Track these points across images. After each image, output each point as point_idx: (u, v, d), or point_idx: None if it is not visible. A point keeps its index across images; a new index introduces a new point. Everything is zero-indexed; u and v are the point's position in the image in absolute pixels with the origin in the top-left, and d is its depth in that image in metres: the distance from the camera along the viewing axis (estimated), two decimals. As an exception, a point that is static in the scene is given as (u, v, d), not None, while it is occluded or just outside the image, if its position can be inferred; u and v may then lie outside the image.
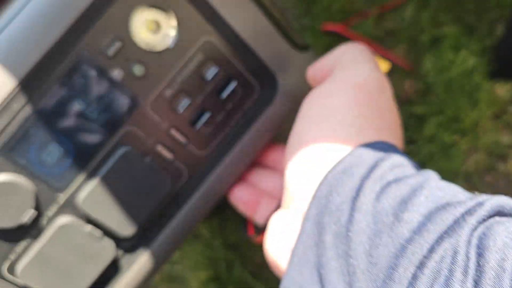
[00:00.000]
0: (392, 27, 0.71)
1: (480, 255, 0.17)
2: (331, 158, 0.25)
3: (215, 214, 0.65)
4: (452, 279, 0.17)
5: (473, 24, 0.70)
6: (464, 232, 0.18)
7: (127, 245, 0.34)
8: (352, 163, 0.23)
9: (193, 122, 0.33)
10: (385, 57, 0.68)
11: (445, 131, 0.68)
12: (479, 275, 0.16)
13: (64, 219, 0.31)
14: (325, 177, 0.24)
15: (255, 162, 0.37)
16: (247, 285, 0.68)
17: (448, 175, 0.59)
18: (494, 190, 0.65)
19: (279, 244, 0.27)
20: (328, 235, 0.21)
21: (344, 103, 0.26)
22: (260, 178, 0.36)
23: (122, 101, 0.30)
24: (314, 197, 0.23)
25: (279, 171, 0.35)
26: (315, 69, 0.32)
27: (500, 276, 0.16)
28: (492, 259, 0.17)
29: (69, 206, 0.31)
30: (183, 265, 0.70)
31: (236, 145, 0.34)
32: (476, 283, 0.16)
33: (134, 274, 0.34)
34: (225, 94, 0.33)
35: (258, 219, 0.34)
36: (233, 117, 0.34)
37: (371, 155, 0.23)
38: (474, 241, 0.17)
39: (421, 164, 0.50)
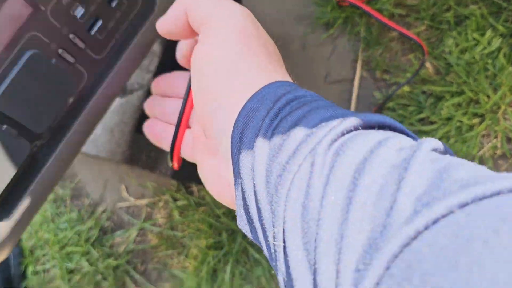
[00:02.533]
0: (415, 3, 0.68)
1: (336, 155, 0.20)
2: (237, 102, 0.26)
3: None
4: (311, 182, 0.20)
5: (501, 5, 0.67)
6: (324, 143, 0.21)
7: (41, 143, 0.36)
8: (254, 106, 0.25)
9: (89, 29, 0.37)
10: (403, 35, 0.65)
11: (464, 113, 0.66)
12: (329, 175, 0.20)
13: None
14: (235, 122, 0.26)
15: (162, 93, 0.40)
16: (249, 254, 0.67)
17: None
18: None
19: (219, 190, 0.30)
20: (244, 175, 0.25)
21: (235, 50, 0.27)
22: (168, 108, 0.38)
23: (24, 8, 0.32)
24: (232, 144, 0.26)
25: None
26: (175, 22, 0.32)
27: (347, 174, 0.19)
28: (344, 161, 0.20)
29: None
30: (184, 232, 0.69)
31: (127, 50, 0.39)
32: (326, 183, 0.20)
33: (51, 169, 0.36)
34: (114, 3, 0.37)
35: (165, 147, 0.37)
36: (122, 24, 0.38)
37: (272, 95, 0.25)
38: (333, 149, 0.21)
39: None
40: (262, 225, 0.23)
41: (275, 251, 0.22)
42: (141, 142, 0.61)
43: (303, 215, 0.20)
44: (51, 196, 0.74)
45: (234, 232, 0.67)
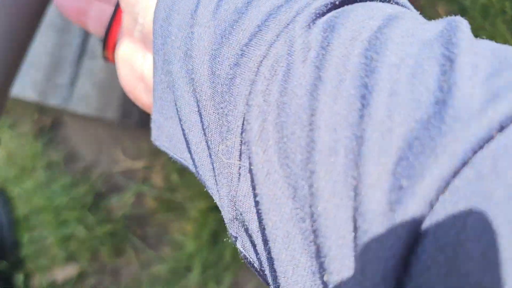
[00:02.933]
0: None
1: (330, 30, 0.15)
2: None
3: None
4: (291, 72, 0.15)
5: None
6: (300, 21, 0.15)
7: None
8: None
9: None
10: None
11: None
12: (322, 58, 0.14)
13: None
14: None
15: None
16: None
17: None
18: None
19: (131, 77, 0.24)
20: (175, 63, 0.18)
21: None
22: None
23: None
24: (154, 21, 0.20)
25: None
26: None
27: (347, 56, 0.14)
28: (346, 36, 0.14)
29: None
30: (182, 194, 0.66)
31: None
32: (318, 68, 0.14)
33: None
34: None
35: (92, 29, 0.28)
36: None
37: None
38: (319, 24, 0.15)
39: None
40: (206, 136, 0.17)
41: (230, 173, 0.16)
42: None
43: (279, 118, 0.14)
44: (44, 161, 0.71)
45: (236, 193, 0.64)
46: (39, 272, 0.68)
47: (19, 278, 0.67)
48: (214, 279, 0.63)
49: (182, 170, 0.66)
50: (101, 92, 0.58)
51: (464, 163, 0.11)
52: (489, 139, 0.11)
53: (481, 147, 0.11)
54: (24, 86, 0.60)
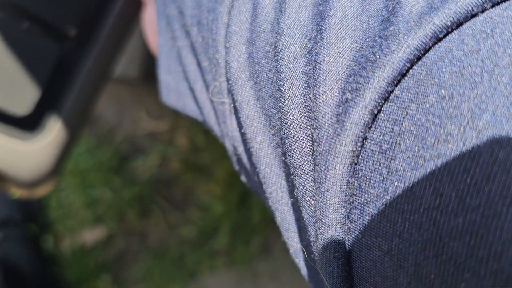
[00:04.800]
0: None
1: None
2: None
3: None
4: (257, 10, 0.16)
5: None
6: None
7: (70, 46, 0.31)
8: None
9: None
10: None
11: None
12: None
13: None
14: None
15: None
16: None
17: None
18: None
19: (156, 37, 0.26)
20: (174, 23, 0.21)
21: None
22: None
23: None
24: None
25: None
26: None
27: None
28: None
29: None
30: (209, 153, 0.64)
31: None
32: (280, 4, 0.15)
33: (86, 74, 0.31)
34: None
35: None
36: None
37: None
38: None
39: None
40: (205, 83, 0.19)
41: (221, 111, 0.18)
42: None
43: (250, 55, 0.16)
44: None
45: (263, 154, 0.62)
46: (69, 235, 0.68)
47: (50, 240, 0.67)
48: (243, 240, 0.62)
49: (207, 131, 0.64)
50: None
51: (402, 74, 0.12)
52: (426, 50, 0.12)
53: (418, 57, 0.12)
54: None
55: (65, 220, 0.68)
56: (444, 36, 0.12)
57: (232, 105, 0.17)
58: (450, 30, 0.12)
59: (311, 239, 0.14)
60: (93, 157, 0.68)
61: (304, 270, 0.16)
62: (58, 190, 0.69)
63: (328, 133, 0.13)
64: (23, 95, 0.28)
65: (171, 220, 0.66)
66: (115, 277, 0.66)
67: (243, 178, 0.20)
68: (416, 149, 0.11)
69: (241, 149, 0.18)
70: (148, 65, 0.56)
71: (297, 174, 0.14)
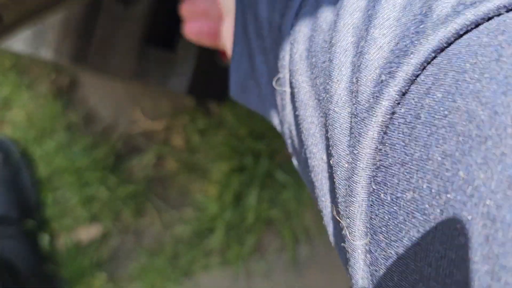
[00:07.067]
0: None
1: None
2: None
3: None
4: (319, 12, 0.20)
5: None
6: None
7: None
8: None
9: None
10: None
11: None
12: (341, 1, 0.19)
13: None
14: None
15: None
16: (274, 178, 0.62)
17: None
18: None
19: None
20: (250, 26, 0.25)
21: None
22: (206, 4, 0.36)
23: None
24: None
25: None
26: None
27: None
28: None
29: None
30: (205, 154, 0.64)
31: None
32: (337, 8, 0.19)
33: None
34: None
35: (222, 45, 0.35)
36: None
37: None
38: None
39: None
40: (269, 70, 0.23)
41: (282, 99, 0.21)
42: (150, 56, 0.55)
43: (309, 49, 0.19)
44: (63, 122, 0.70)
45: (259, 155, 0.62)
46: (64, 232, 0.69)
47: (45, 238, 0.68)
48: (237, 240, 0.63)
49: (203, 131, 0.64)
50: (115, 50, 0.56)
51: (428, 62, 0.15)
52: (448, 43, 0.15)
53: (442, 49, 0.15)
54: (39, 45, 0.58)
55: (60, 218, 0.69)
56: (464, 33, 0.15)
57: (289, 94, 0.21)
58: (469, 29, 0.14)
59: (340, 199, 0.17)
60: (89, 156, 0.68)
61: (332, 238, 0.19)
62: (54, 188, 0.70)
63: (364, 107, 0.16)
64: None
65: (166, 219, 0.66)
66: (110, 275, 0.67)
67: (294, 160, 0.23)
68: (432, 119, 0.14)
69: (294, 132, 0.21)
70: (141, 65, 0.56)
71: (335, 144, 0.17)
